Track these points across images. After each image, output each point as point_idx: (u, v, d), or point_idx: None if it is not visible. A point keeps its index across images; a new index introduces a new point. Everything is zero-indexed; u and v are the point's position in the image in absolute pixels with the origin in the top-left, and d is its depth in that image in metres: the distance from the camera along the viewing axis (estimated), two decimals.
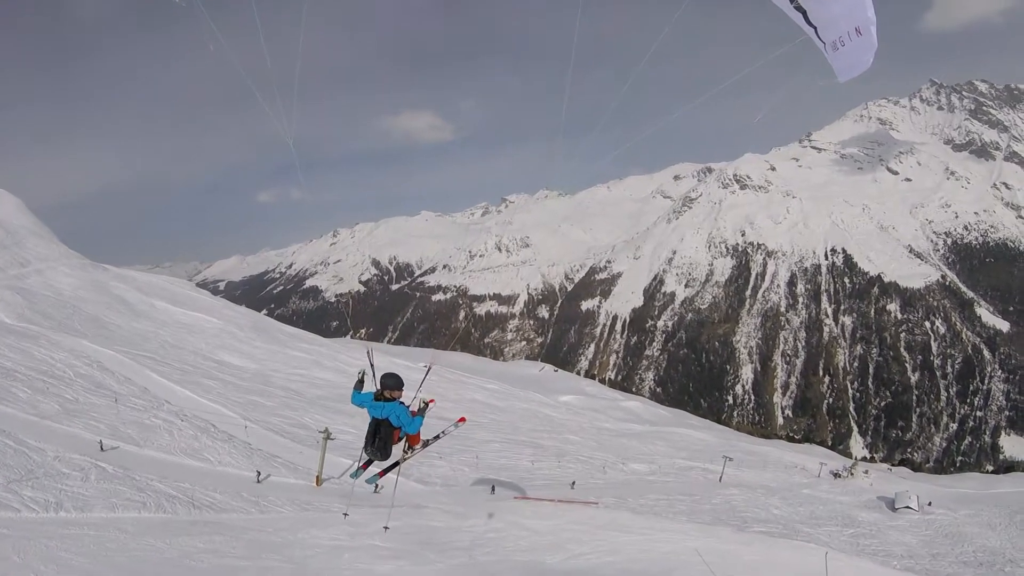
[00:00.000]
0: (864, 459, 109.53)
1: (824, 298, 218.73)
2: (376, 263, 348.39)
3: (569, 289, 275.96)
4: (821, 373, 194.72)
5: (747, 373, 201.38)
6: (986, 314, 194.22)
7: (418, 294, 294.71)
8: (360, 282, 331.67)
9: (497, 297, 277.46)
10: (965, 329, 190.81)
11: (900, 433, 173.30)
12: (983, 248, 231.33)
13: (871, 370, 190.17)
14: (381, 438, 9.79)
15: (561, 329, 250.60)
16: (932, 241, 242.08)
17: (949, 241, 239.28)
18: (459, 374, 54.15)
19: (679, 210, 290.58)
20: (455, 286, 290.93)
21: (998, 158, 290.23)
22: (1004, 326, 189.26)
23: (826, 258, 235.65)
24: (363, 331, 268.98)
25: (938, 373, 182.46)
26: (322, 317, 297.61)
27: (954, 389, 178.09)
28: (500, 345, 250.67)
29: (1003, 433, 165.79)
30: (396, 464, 10.79)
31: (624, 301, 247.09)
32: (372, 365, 10.48)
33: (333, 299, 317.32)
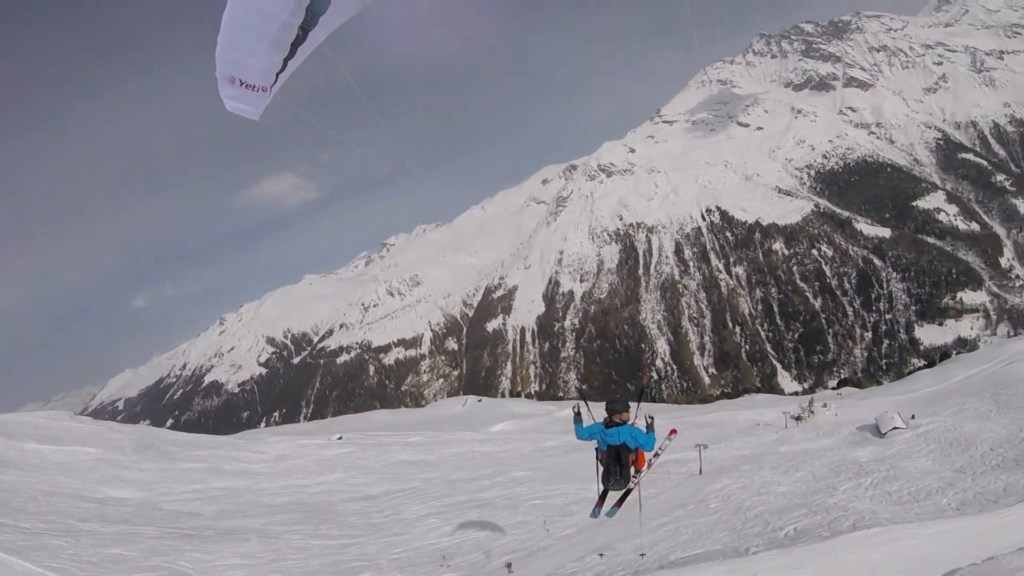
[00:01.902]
0: (803, 391, 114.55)
1: (713, 256, 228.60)
2: (271, 341, 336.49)
3: (471, 315, 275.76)
4: (731, 325, 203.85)
5: (662, 346, 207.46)
6: (866, 227, 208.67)
7: (322, 361, 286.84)
8: (259, 364, 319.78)
9: (402, 342, 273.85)
10: (851, 246, 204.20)
11: (821, 357, 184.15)
12: (846, 170, 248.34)
13: (775, 308, 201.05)
14: (621, 464, 10.00)
15: (474, 356, 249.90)
16: (797, 177, 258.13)
17: (812, 172, 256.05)
18: (377, 436, 50.59)
19: (555, 211, 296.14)
20: (357, 343, 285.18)
21: (838, 87, 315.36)
22: (886, 233, 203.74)
23: (703, 219, 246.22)
24: (276, 414, 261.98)
25: (838, 292, 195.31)
26: (231, 411, 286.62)
27: (858, 302, 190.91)
28: (418, 389, 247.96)
29: (916, 326, 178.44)
30: (629, 491, 10.61)
31: (527, 312, 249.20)
32: (585, 401, 11.44)
33: (237, 390, 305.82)
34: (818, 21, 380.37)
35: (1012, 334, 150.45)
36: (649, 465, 10.63)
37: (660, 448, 11.37)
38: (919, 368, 79.16)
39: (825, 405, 39.82)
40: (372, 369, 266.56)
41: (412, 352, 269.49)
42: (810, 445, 28.53)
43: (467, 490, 27.39)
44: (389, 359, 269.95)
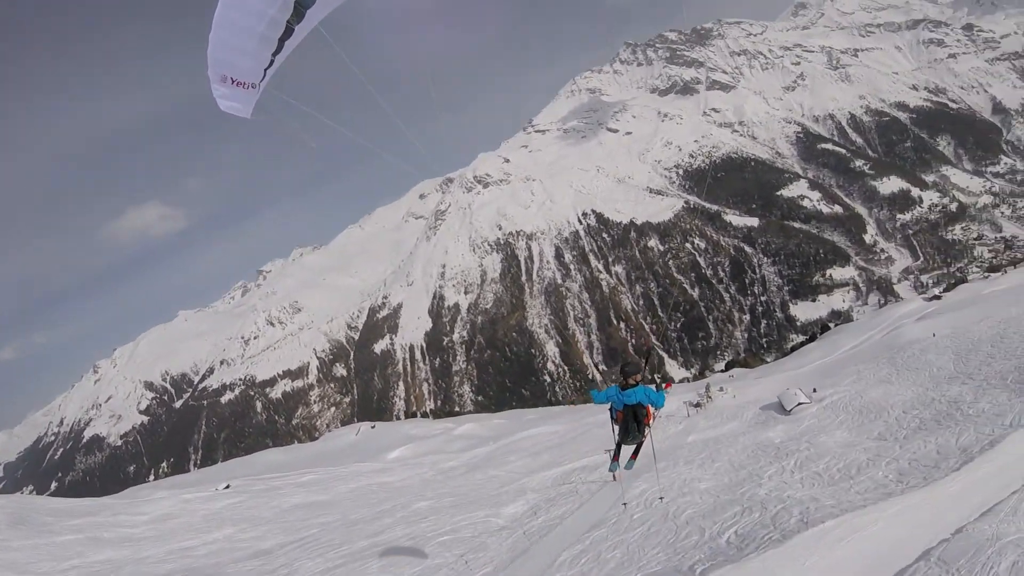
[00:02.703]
0: (693, 377, 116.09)
1: (592, 257, 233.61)
2: (150, 385, 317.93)
3: (357, 338, 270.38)
4: (616, 322, 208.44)
5: (552, 349, 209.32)
6: (735, 218, 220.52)
7: (205, 403, 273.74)
8: (140, 412, 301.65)
9: (288, 373, 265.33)
10: (722, 237, 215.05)
11: (705, 343, 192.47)
12: (712, 166, 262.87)
13: (656, 302, 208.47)
14: (636, 421, 11.17)
15: (364, 380, 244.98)
16: (666, 176, 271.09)
17: (681, 171, 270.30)
18: (267, 479, 45.99)
19: (434, 225, 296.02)
20: (240, 379, 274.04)
21: (701, 90, 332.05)
22: (754, 222, 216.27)
23: (580, 223, 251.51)
24: (164, 464, 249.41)
25: (714, 281, 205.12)
26: (116, 466, 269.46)
27: (733, 288, 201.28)
28: (311, 421, 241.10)
29: (790, 305, 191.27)
30: (641, 444, 11.89)
31: (414, 329, 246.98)
32: (647, 359, 13.08)
33: (120, 443, 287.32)
34: (681, 30, 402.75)
35: (883, 302, 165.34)
36: (654, 419, 11.65)
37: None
38: (801, 343, 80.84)
39: (722, 389, 37.30)
40: (259, 405, 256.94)
41: (299, 383, 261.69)
42: (717, 432, 27.30)
43: (368, 532, 23.73)
44: (276, 393, 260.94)
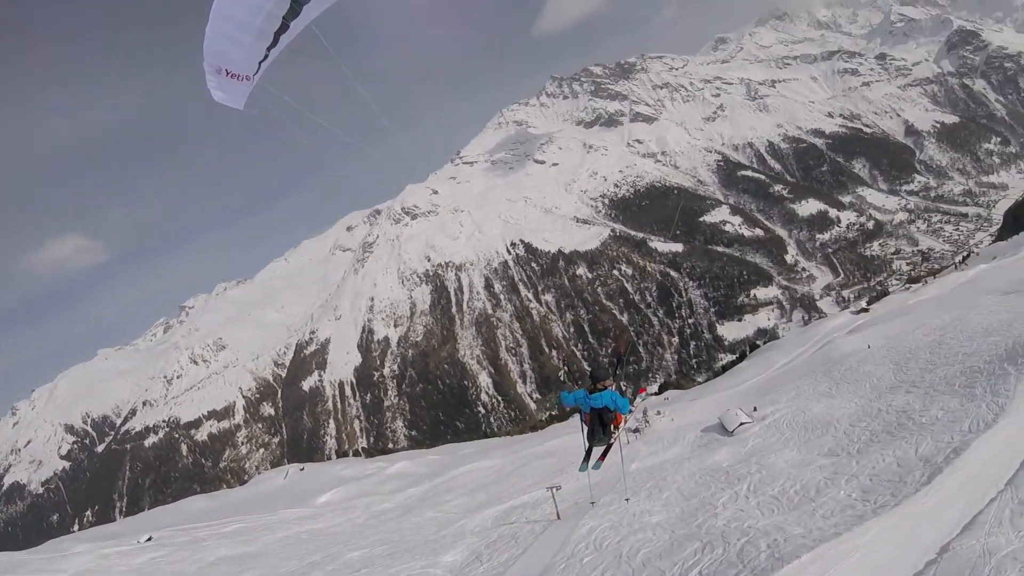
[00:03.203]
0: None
1: (522, 287, 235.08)
2: (70, 429, 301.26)
3: (284, 375, 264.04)
4: (547, 350, 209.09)
5: (484, 380, 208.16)
6: (660, 244, 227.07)
7: (128, 446, 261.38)
8: (61, 457, 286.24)
9: (214, 414, 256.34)
10: (648, 263, 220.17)
11: (636, 366, 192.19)
12: (636, 196, 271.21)
13: (587, 328, 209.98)
14: (603, 424, 11.61)
15: (294, 419, 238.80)
16: (592, 206, 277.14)
17: (606, 201, 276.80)
18: (192, 530, 42.31)
19: (362, 258, 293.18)
20: (164, 421, 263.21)
21: (625, 122, 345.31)
22: (679, 247, 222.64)
23: (509, 253, 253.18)
24: (89, 512, 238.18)
25: (642, 305, 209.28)
26: (39, 516, 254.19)
27: (661, 312, 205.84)
28: (239, 463, 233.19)
29: (717, 325, 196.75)
30: (610, 446, 12.43)
31: (343, 364, 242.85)
32: (568, 370, 22.31)
33: (41, 490, 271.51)
34: (606, 63, 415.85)
35: (806, 319, 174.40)
36: (625, 422, 12.36)
37: (633, 407, 13.65)
38: (731, 362, 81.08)
39: (659, 412, 36.81)
40: (185, 448, 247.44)
41: (226, 424, 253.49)
42: (660, 458, 24.72)
43: None
44: (202, 434, 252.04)
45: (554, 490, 22.91)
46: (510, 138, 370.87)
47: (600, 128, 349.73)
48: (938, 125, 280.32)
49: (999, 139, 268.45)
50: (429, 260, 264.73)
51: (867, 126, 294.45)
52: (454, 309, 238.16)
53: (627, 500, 16.02)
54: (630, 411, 12.27)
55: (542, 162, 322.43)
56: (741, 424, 24.06)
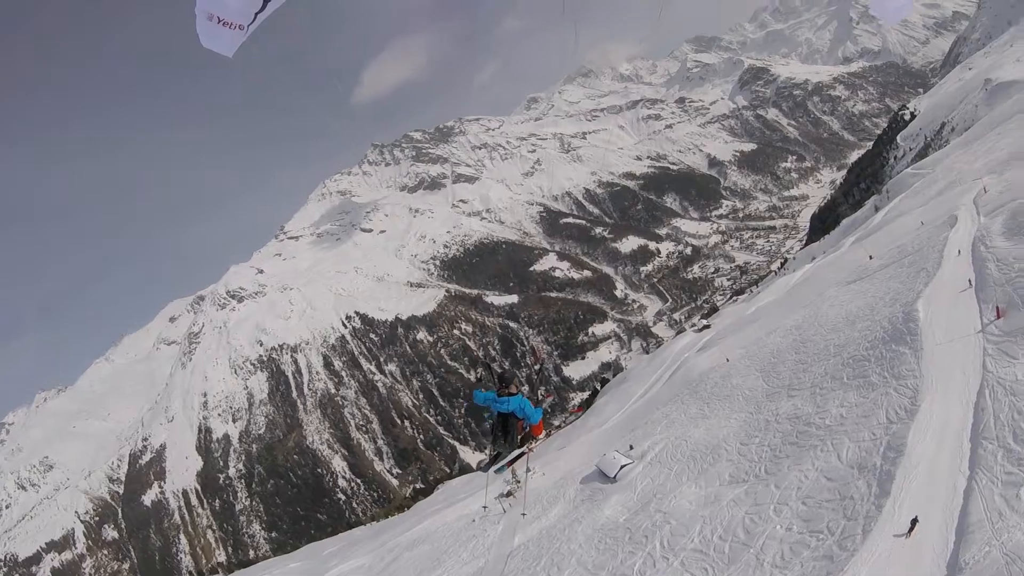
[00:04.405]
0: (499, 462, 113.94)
1: (363, 360, 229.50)
2: None
3: (122, 492, 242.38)
4: (400, 421, 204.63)
5: (339, 464, 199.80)
6: (496, 298, 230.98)
7: None
8: None
9: (53, 545, 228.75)
10: (487, 318, 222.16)
11: (493, 421, 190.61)
12: (467, 254, 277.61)
13: (436, 392, 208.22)
14: (508, 431, 11.36)
15: (141, 540, 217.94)
16: (425, 269, 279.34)
17: (438, 262, 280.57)
18: None
19: (189, 350, 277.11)
20: (0, 560, 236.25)
21: (448, 184, 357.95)
22: (514, 299, 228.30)
23: (345, 326, 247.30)
24: None
25: (487, 360, 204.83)
26: None
27: (507, 363, 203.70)
28: None
29: (563, 367, 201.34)
30: (522, 454, 12.04)
31: (184, 471, 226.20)
32: (490, 367, 12.10)
33: None
34: (425, 128, 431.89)
35: (645, 345, 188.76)
36: (548, 435, 12.30)
37: (565, 421, 17.93)
38: (585, 400, 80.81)
39: (529, 469, 32.29)
40: None
41: (68, 555, 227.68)
42: (545, 523, 21.27)
43: None
44: (43, 571, 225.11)
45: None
46: (335, 208, 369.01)
47: (424, 192, 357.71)
48: (738, 153, 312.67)
49: (795, 157, 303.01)
50: (261, 345, 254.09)
51: (673, 164, 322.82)
52: (295, 394, 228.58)
53: (523, 515, 16.48)
54: (540, 423, 11.93)
55: (369, 230, 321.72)
56: (623, 467, 22.30)
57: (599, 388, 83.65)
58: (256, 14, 7.09)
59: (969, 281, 16.30)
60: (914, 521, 8.75)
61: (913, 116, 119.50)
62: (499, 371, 11.48)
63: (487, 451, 11.56)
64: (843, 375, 16.06)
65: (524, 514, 15.23)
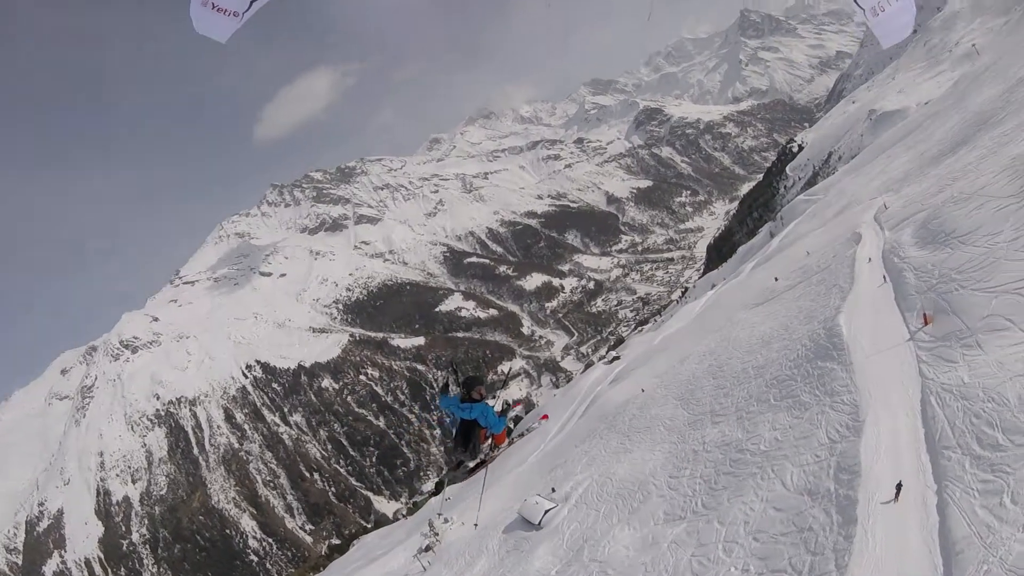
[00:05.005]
0: (408, 507, 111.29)
1: (266, 412, 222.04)
2: None
3: (20, 563, 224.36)
4: (309, 474, 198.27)
5: (248, 523, 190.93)
6: (401, 341, 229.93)
7: None
8: None
9: None
10: (393, 362, 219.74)
11: (405, 469, 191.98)
12: (370, 296, 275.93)
13: (345, 442, 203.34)
14: (470, 439, 11.02)
15: None
16: (327, 313, 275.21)
17: (341, 306, 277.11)
18: None
19: (82, 405, 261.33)
20: None
21: (350, 226, 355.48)
22: (421, 341, 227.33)
23: (246, 376, 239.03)
24: None
25: (396, 405, 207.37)
26: None
27: (416, 407, 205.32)
28: None
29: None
30: (483, 463, 11.89)
31: (84, 538, 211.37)
32: (456, 371, 12.37)
33: None
34: (327, 169, 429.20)
35: (555, 380, 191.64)
36: (511, 443, 12.24)
37: (528, 430, 16.54)
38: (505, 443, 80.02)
39: (446, 519, 30.00)
40: None
41: None
42: None
43: None
44: None
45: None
46: (233, 251, 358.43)
47: (325, 233, 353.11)
48: (635, 190, 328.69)
49: (689, 192, 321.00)
50: (158, 398, 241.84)
51: (574, 202, 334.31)
52: (196, 450, 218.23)
53: (475, 526, 16.15)
54: (503, 432, 11.83)
55: (269, 274, 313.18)
56: (547, 512, 20.66)
57: (512, 427, 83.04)
58: (251, 1, 7.18)
59: (884, 277, 16.61)
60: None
61: (801, 148, 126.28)
62: (463, 377, 11.28)
63: (448, 460, 12.16)
64: (769, 396, 15.36)
65: (476, 525, 15.29)
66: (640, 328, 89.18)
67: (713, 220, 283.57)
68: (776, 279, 25.89)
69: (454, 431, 11.40)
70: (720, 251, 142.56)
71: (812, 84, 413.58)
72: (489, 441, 11.57)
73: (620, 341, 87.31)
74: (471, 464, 11.92)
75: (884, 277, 16.56)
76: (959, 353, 10.81)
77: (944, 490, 8.31)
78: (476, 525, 15.57)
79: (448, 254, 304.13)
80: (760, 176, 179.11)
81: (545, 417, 11.25)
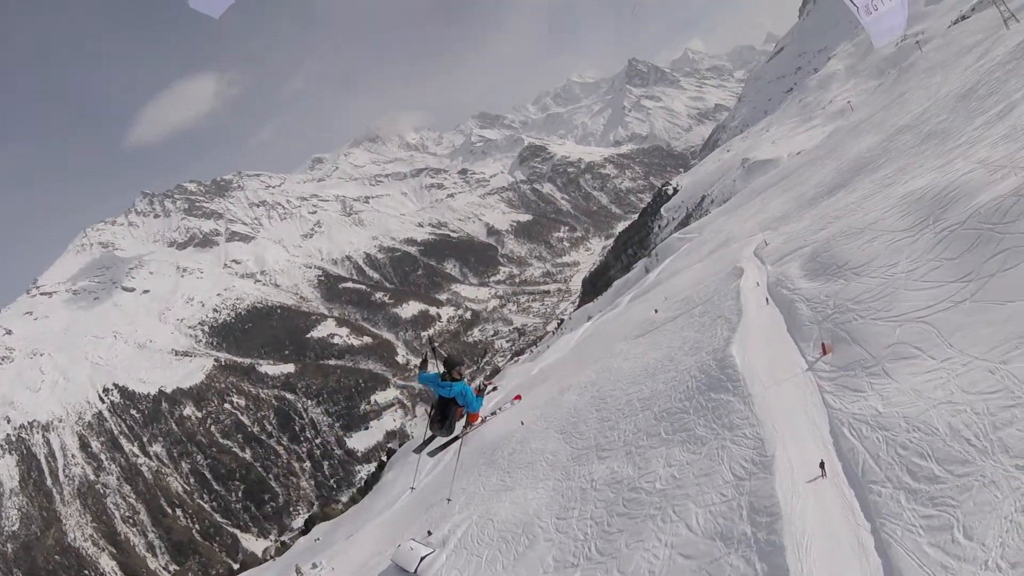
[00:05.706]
0: (277, 546, 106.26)
1: (124, 441, 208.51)
2: None
3: None
4: (171, 510, 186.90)
5: (107, 564, 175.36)
6: (270, 367, 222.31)
7: None
8: None
9: None
10: (261, 390, 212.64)
11: (274, 504, 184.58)
12: (239, 319, 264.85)
13: (209, 475, 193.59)
14: (447, 416, 11.55)
15: None
16: (192, 335, 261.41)
17: (207, 328, 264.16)
18: None
19: None
20: None
21: (221, 242, 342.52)
22: (290, 368, 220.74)
23: (103, 401, 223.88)
24: None
25: (263, 436, 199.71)
26: None
27: (285, 438, 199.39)
28: None
29: (346, 439, 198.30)
30: (456, 438, 12.87)
31: None
32: (435, 349, 12.13)
33: None
34: (202, 180, 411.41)
35: (429, 411, 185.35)
36: (483, 421, 13.05)
37: (500, 408, 15.91)
38: (372, 475, 77.75)
39: (315, 565, 25.75)
40: None
41: None
42: None
43: None
44: None
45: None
46: (95, 262, 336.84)
47: (195, 249, 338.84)
48: (515, 223, 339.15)
49: (567, 227, 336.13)
50: (9, 421, 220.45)
51: (454, 231, 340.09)
52: (50, 481, 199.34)
53: (448, 500, 16.59)
54: (478, 411, 12.37)
55: (132, 289, 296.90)
56: (423, 559, 17.57)
57: (386, 460, 79.94)
58: None
59: (767, 299, 16.85)
60: None
61: (676, 191, 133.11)
62: (444, 355, 11.71)
63: (424, 433, 11.06)
64: (659, 430, 14.17)
65: (449, 500, 17.65)
66: (516, 359, 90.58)
67: (589, 255, 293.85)
68: (656, 311, 25.48)
69: (430, 408, 12.04)
70: (595, 284, 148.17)
71: (690, 133, 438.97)
72: (463, 419, 12.12)
73: (496, 371, 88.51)
74: (444, 440, 13.03)
75: (767, 299, 16.74)
76: (866, 382, 10.48)
77: (882, 529, 7.65)
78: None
79: (323, 278, 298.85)
80: (636, 216, 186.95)
81: (518, 398, 11.48)
